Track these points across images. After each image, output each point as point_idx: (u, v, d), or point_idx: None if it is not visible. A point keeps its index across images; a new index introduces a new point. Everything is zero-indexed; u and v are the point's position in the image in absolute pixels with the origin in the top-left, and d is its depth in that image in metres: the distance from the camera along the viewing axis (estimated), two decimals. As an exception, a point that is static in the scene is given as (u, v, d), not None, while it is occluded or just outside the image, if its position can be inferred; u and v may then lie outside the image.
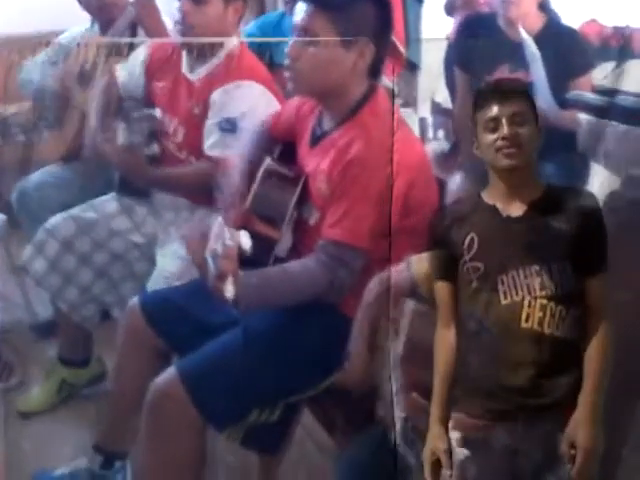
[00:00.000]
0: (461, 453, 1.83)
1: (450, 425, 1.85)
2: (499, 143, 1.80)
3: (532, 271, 1.81)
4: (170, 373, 2.18)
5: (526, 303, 1.81)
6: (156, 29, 2.89)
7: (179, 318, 2.33)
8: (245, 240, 2.07)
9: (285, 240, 2.25)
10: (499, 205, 1.87)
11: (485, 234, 1.86)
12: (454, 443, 1.83)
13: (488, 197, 1.89)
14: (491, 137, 1.82)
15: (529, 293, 1.81)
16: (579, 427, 1.77)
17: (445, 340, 1.91)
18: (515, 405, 1.81)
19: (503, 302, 1.82)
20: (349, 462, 2.22)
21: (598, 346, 1.81)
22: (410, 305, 2.11)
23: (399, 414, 2.04)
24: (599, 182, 2.27)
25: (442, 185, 2.31)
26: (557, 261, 1.81)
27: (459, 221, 1.90)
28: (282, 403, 2.22)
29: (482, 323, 1.84)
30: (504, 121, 1.80)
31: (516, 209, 1.85)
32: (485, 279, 1.84)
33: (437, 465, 1.86)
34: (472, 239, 1.86)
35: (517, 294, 1.81)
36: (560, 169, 2.49)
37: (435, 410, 1.89)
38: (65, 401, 2.92)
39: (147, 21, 2.93)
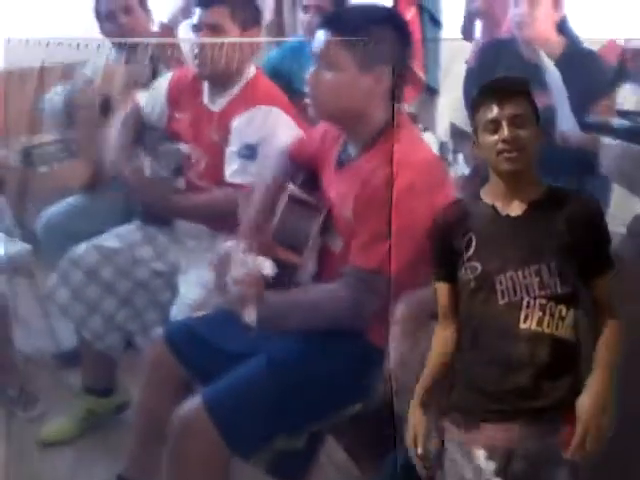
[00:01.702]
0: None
1: (485, 454, 1.83)
2: (500, 146, 1.79)
3: (531, 271, 1.80)
4: (195, 402, 2.18)
5: (524, 303, 1.80)
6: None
7: (203, 348, 2.33)
8: (268, 267, 2.07)
9: (308, 267, 2.25)
10: (498, 204, 1.86)
11: (483, 234, 1.85)
12: (490, 476, 1.81)
13: (487, 196, 1.88)
14: (491, 139, 1.80)
15: (528, 293, 1.80)
16: (584, 398, 1.78)
17: (442, 338, 1.92)
18: (513, 407, 1.80)
19: (501, 302, 1.81)
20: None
21: (610, 336, 1.81)
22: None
23: (395, 444, 2.04)
24: (622, 205, 2.26)
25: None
26: (556, 261, 1.80)
27: (459, 221, 1.89)
28: (307, 431, 2.22)
29: (480, 323, 1.84)
30: (504, 123, 1.78)
31: (515, 208, 1.84)
32: (483, 279, 1.83)
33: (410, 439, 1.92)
34: (470, 238, 1.86)
35: (515, 294, 1.81)
36: (582, 192, 2.48)
37: (418, 394, 1.91)
38: (89, 430, 2.93)
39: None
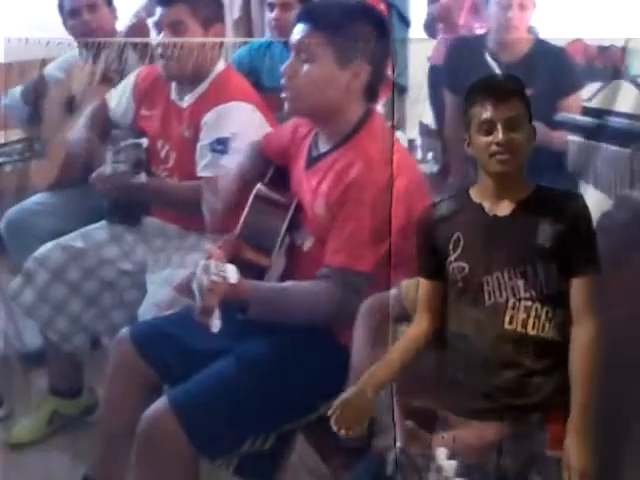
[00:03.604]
0: None
1: (446, 453, 1.83)
2: (493, 148, 1.77)
3: (517, 272, 1.79)
4: (161, 403, 2.15)
5: (510, 305, 1.80)
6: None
7: (170, 347, 2.31)
8: (232, 274, 2.05)
9: (277, 267, 2.24)
10: (486, 204, 1.85)
11: (471, 234, 1.84)
12: (450, 474, 1.81)
13: (475, 195, 1.87)
14: (485, 140, 1.78)
15: (513, 295, 1.80)
16: (570, 449, 1.75)
17: (413, 335, 1.91)
18: (500, 405, 1.80)
19: (487, 303, 1.81)
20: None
21: (583, 355, 1.78)
22: (402, 330, 2.09)
23: (395, 443, 2.02)
24: (590, 203, 2.26)
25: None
26: (543, 262, 1.79)
27: (446, 219, 1.88)
28: (276, 432, 2.20)
29: (467, 323, 1.83)
30: (499, 126, 1.76)
31: (503, 209, 1.83)
32: (470, 279, 1.82)
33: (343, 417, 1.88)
34: (458, 238, 1.85)
35: (501, 295, 1.80)
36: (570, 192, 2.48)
37: (369, 377, 1.90)
38: (55, 431, 2.90)
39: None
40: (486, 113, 1.78)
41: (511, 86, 1.84)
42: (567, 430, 1.76)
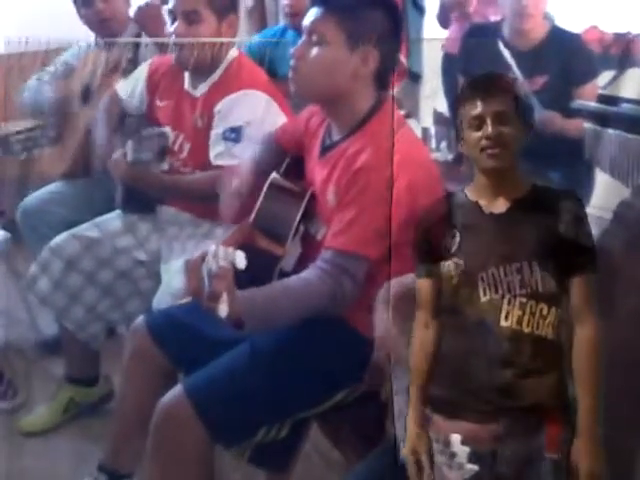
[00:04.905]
0: (471, 469, 1.80)
1: (457, 439, 1.82)
2: (483, 143, 1.77)
3: (513, 269, 1.78)
4: (177, 391, 2.15)
5: (505, 301, 1.79)
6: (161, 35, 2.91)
7: (185, 336, 2.31)
8: (240, 260, 2.05)
9: (291, 255, 2.23)
10: (482, 202, 1.84)
11: (467, 230, 1.84)
12: (463, 460, 1.80)
13: (472, 193, 1.87)
14: (475, 135, 1.79)
15: (509, 291, 1.79)
16: (580, 454, 1.74)
17: (424, 342, 1.89)
18: (495, 406, 1.79)
19: (482, 299, 1.80)
20: (358, 478, 2.20)
21: (586, 353, 1.77)
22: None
23: (395, 442, 2.01)
24: (607, 191, 2.26)
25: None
26: (539, 259, 1.78)
27: (445, 216, 1.88)
28: (290, 420, 2.20)
29: (463, 320, 1.82)
30: (488, 120, 1.77)
31: (499, 206, 1.83)
32: (466, 276, 1.82)
33: (419, 465, 1.84)
34: (454, 235, 1.85)
35: (497, 292, 1.79)
36: (565, 178, 2.48)
37: (413, 411, 1.87)
38: (70, 419, 2.92)
39: (152, 29, 2.95)
40: (476, 109, 1.79)
41: (499, 82, 1.84)
42: (576, 433, 1.74)
